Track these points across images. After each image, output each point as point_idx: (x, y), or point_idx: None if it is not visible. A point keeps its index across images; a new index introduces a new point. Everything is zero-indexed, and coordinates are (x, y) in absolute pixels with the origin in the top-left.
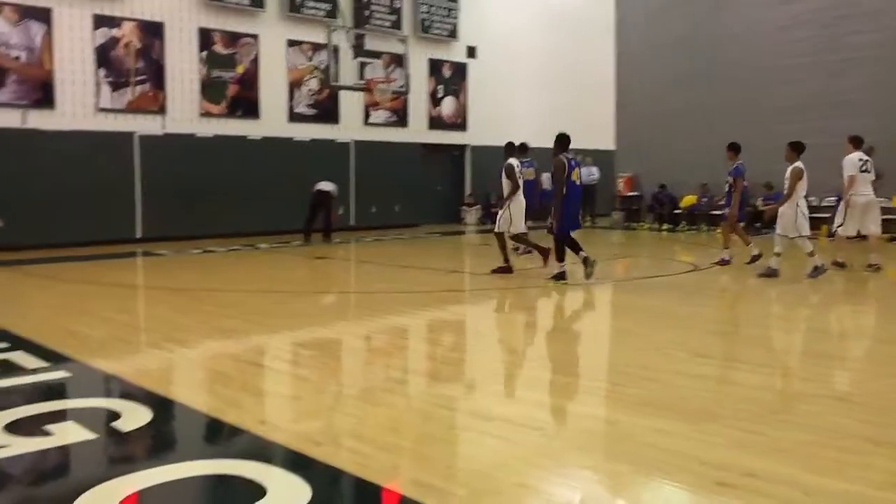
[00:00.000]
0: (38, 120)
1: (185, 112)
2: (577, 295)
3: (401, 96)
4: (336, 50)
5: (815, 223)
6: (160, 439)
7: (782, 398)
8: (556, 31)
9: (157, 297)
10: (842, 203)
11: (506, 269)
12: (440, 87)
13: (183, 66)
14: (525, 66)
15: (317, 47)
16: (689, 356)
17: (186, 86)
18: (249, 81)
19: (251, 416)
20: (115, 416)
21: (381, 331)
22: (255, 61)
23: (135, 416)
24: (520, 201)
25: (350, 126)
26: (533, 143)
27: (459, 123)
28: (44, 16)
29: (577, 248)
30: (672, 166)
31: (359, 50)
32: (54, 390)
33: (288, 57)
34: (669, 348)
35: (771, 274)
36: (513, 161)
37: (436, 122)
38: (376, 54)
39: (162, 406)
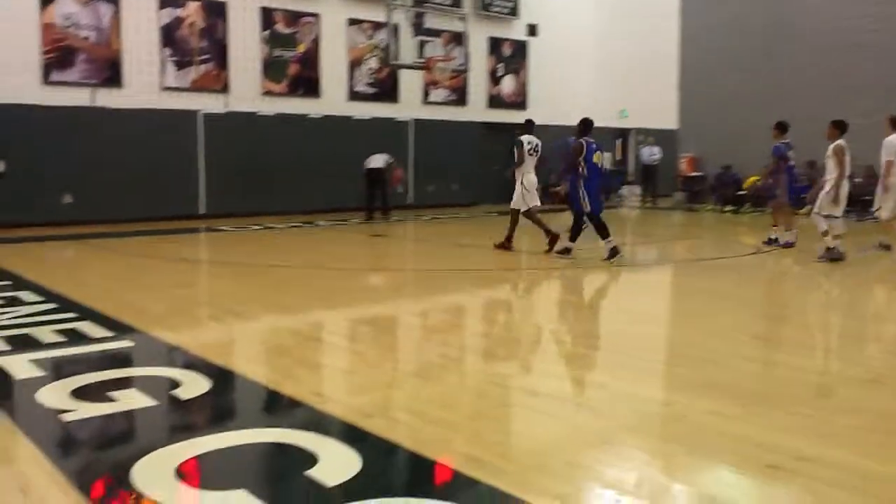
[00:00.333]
0: (107, 98)
1: (247, 91)
2: (635, 276)
3: (460, 75)
4: (396, 28)
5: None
6: (217, 408)
7: (836, 382)
8: (618, 8)
9: (217, 271)
10: (880, 185)
11: (554, 238)
12: (500, 66)
13: (245, 45)
14: (586, 45)
15: (377, 26)
16: (748, 339)
17: (249, 65)
18: (310, 60)
19: (306, 388)
20: (175, 384)
21: (436, 308)
22: (315, 40)
23: (194, 385)
24: (531, 177)
25: (409, 105)
26: (594, 123)
27: (519, 102)
28: None
29: (605, 234)
30: (736, 146)
31: (418, 28)
32: (118, 359)
33: (348, 36)
34: (728, 331)
35: (835, 257)
36: (523, 138)
37: (495, 101)
38: (436, 32)
39: (220, 376)
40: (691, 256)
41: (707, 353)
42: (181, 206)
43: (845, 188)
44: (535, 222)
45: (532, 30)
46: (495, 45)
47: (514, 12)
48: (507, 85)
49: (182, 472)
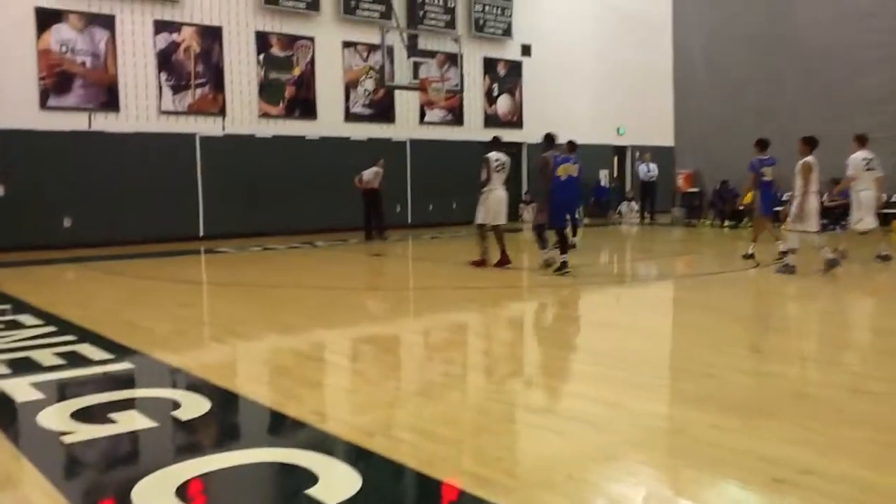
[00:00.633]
0: (104, 123)
1: (244, 113)
2: (635, 292)
3: (455, 95)
4: (391, 50)
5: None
6: (217, 428)
7: (840, 394)
8: (612, 26)
9: (217, 292)
10: (853, 200)
11: (504, 262)
12: (495, 86)
13: (241, 68)
14: (580, 63)
15: (372, 48)
16: (748, 352)
17: (245, 88)
18: (306, 82)
19: (307, 408)
20: (175, 405)
21: (437, 326)
22: (311, 63)
23: (194, 406)
24: (497, 193)
25: (406, 125)
26: (590, 140)
27: (515, 121)
28: (107, 22)
29: (564, 248)
30: (733, 162)
31: (413, 50)
32: (118, 381)
33: (344, 58)
34: (728, 344)
35: (833, 265)
36: (489, 155)
37: (491, 121)
38: (431, 54)
39: (220, 396)
40: (691, 271)
41: (707, 367)
42: (180, 228)
43: (813, 203)
44: (497, 240)
45: (526, 50)
46: (490, 65)
47: (507, 33)
48: (503, 104)
49: (182, 493)
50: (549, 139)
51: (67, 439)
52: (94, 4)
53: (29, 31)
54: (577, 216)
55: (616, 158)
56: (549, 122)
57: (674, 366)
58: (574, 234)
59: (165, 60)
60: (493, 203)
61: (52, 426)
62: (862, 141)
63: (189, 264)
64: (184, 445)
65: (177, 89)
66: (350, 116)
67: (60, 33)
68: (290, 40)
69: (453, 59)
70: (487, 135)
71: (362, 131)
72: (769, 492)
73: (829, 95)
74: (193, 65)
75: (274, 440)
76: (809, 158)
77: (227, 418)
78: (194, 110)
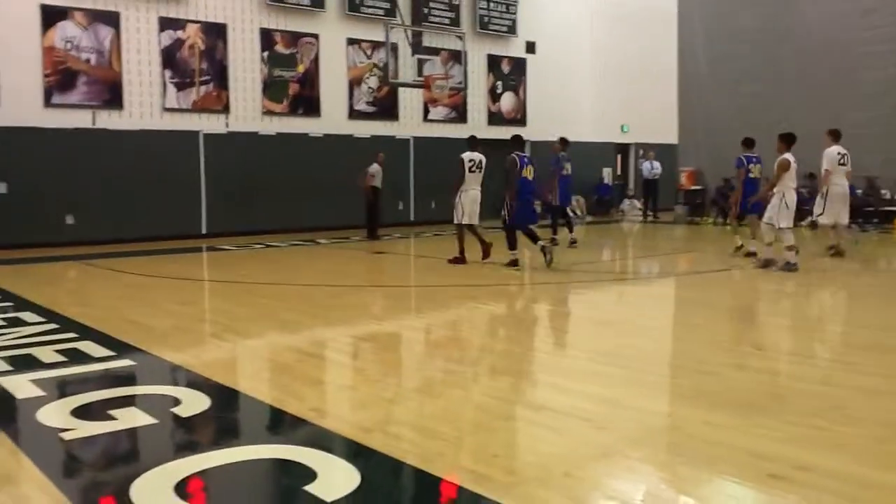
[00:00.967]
0: (107, 120)
1: (248, 111)
2: (636, 289)
3: (459, 92)
4: (395, 47)
5: None
6: (217, 425)
7: (838, 392)
8: (616, 23)
9: (219, 290)
10: (819, 194)
11: (460, 260)
12: (499, 83)
13: (245, 66)
14: (585, 60)
15: (376, 45)
16: (746, 349)
17: (249, 85)
18: (310, 80)
19: (305, 405)
20: (175, 402)
21: (437, 323)
22: (315, 60)
23: (194, 403)
24: (471, 193)
25: (409, 123)
26: (593, 138)
27: (519, 119)
28: (112, 19)
29: (534, 239)
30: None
31: (417, 47)
32: (119, 378)
33: (347, 55)
34: (726, 341)
35: (767, 265)
36: (464, 155)
37: (495, 118)
38: (435, 51)
39: (220, 393)
40: (692, 269)
41: (704, 364)
42: (183, 225)
43: (793, 199)
44: (475, 235)
45: (530, 47)
46: (494, 62)
47: (512, 30)
48: (507, 102)
49: (181, 490)
50: (517, 140)
51: (67, 436)
52: (100, 1)
53: (34, 28)
54: (577, 213)
55: (619, 156)
56: (553, 120)
57: (672, 363)
58: (571, 231)
59: (170, 58)
60: (468, 203)
61: (52, 423)
62: (836, 136)
63: (191, 262)
64: (183, 442)
65: (181, 86)
66: (354, 114)
67: (65, 30)
68: (294, 37)
69: (457, 57)
70: (491, 133)
71: (366, 129)
72: (766, 488)
73: (833, 91)
74: (198, 62)
75: (273, 437)
76: (787, 155)
77: (227, 415)
78: (198, 108)
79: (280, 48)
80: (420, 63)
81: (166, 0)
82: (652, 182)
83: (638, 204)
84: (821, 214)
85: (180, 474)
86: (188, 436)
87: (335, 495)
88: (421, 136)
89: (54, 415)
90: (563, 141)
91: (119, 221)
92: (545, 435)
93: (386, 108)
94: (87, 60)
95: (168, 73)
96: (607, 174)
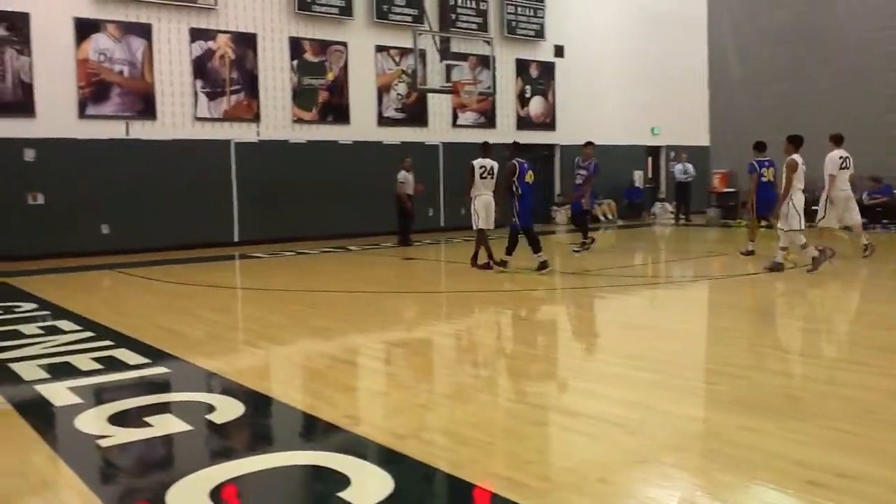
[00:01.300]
0: (140, 130)
1: (278, 119)
2: (668, 293)
3: (487, 97)
4: (423, 54)
5: None
6: (251, 431)
7: (876, 397)
8: (645, 26)
9: (252, 297)
10: (823, 198)
11: (488, 265)
12: (528, 88)
13: (275, 74)
14: (614, 64)
15: (404, 52)
16: (781, 354)
17: (279, 94)
18: (339, 88)
19: (338, 411)
20: (210, 409)
21: (468, 329)
22: (344, 68)
23: (228, 410)
24: (483, 198)
25: (438, 128)
26: (623, 141)
27: (548, 123)
28: (144, 31)
29: (537, 248)
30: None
31: (445, 53)
32: (154, 385)
33: (376, 62)
34: (761, 346)
35: (775, 268)
36: (475, 162)
37: (524, 123)
38: (463, 56)
39: (254, 400)
40: (724, 272)
41: (740, 369)
42: (216, 233)
43: (800, 201)
44: (482, 241)
45: (559, 51)
46: (522, 66)
47: (540, 34)
48: (536, 106)
49: (216, 496)
50: (517, 146)
51: (104, 443)
52: (132, 14)
53: (69, 41)
54: (609, 216)
55: (650, 159)
56: (582, 124)
57: (703, 367)
58: (585, 236)
59: (201, 68)
60: (482, 208)
61: (89, 430)
62: (837, 140)
63: (224, 270)
64: (218, 448)
65: (212, 96)
66: (383, 120)
67: (99, 43)
68: (322, 46)
69: (485, 62)
70: (520, 137)
71: (395, 135)
72: (804, 494)
73: (864, 93)
74: (228, 72)
75: (307, 443)
76: (795, 157)
77: (261, 422)
78: (229, 117)
79: (309, 56)
80: (448, 69)
81: (197, 11)
82: (685, 185)
83: (669, 207)
84: (822, 219)
85: (215, 481)
86: (223, 442)
87: (369, 502)
88: (450, 141)
89: (91, 422)
90: (592, 145)
91: (153, 230)
92: (578, 440)
93: (415, 114)
94: (121, 72)
95: (199, 83)
96: (638, 177)
